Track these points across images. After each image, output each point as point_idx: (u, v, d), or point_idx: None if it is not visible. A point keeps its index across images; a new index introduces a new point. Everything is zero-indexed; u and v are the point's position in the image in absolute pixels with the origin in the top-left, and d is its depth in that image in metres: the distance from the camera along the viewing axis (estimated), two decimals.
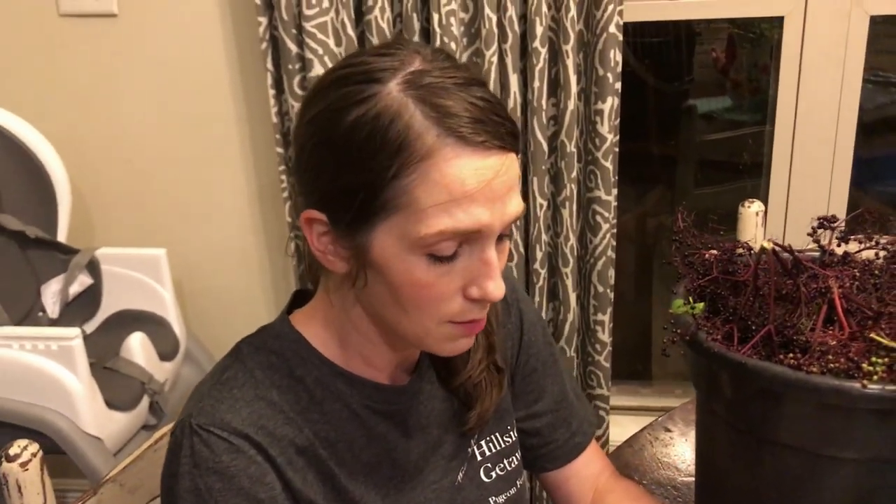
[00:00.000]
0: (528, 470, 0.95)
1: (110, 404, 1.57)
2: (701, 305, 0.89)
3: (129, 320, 1.78)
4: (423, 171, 0.64)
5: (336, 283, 0.76)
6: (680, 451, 1.19)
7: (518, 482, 0.90)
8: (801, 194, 1.84)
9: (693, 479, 1.00)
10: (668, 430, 1.23)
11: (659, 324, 2.55)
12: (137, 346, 1.66)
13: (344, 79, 0.67)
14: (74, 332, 1.50)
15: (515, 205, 0.68)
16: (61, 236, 1.81)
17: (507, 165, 0.66)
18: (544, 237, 1.75)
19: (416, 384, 0.82)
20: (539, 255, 1.76)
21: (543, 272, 1.79)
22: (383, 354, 0.78)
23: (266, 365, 0.75)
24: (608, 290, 1.79)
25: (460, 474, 0.84)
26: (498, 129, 0.66)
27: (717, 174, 2.37)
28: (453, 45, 1.63)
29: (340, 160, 0.66)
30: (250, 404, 0.72)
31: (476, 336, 0.84)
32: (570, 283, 1.79)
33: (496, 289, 0.67)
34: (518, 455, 0.91)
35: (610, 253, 1.76)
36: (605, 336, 1.83)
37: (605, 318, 1.81)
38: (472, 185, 0.64)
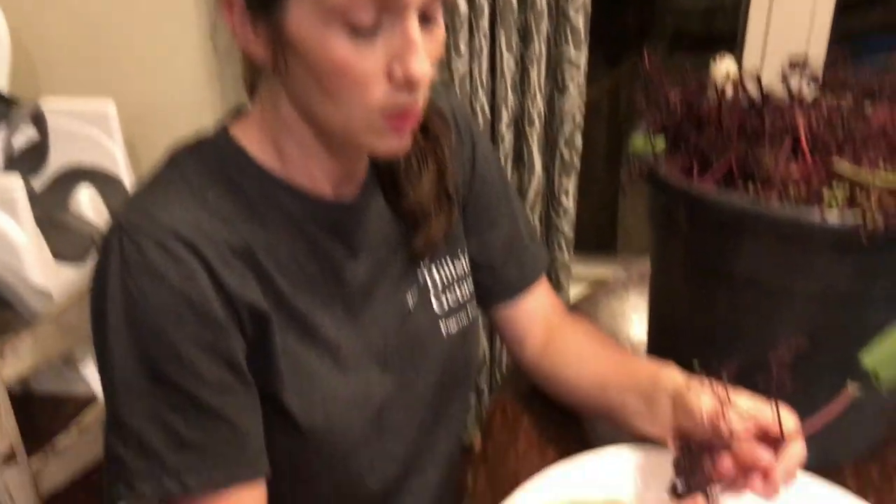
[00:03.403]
0: (479, 305, 0.94)
1: (58, 257, 1.53)
2: (661, 141, 0.85)
3: (79, 176, 1.71)
4: None
5: (267, 83, 0.72)
6: (635, 304, 1.18)
7: (470, 312, 0.89)
8: (776, 61, 1.79)
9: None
10: (626, 288, 1.22)
11: (627, 201, 2.54)
12: (87, 201, 1.61)
13: None
14: (16, 182, 1.44)
15: None
16: (1, 87, 1.71)
17: None
18: (511, 97, 1.70)
19: (362, 201, 0.79)
20: (505, 115, 1.71)
21: (509, 135, 1.74)
22: (323, 164, 0.74)
23: (203, 172, 0.71)
24: (574, 156, 1.75)
25: (410, 300, 0.83)
26: None
27: (692, 45, 2.31)
28: None
29: None
30: (183, 205, 0.69)
31: (425, 158, 0.81)
32: (535, 146, 1.75)
33: (419, 65, 0.63)
34: (470, 283, 0.89)
35: (578, 117, 1.71)
36: (569, 203, 1.81)
37: (570, 184, 1.78)
38: None
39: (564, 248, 1.86)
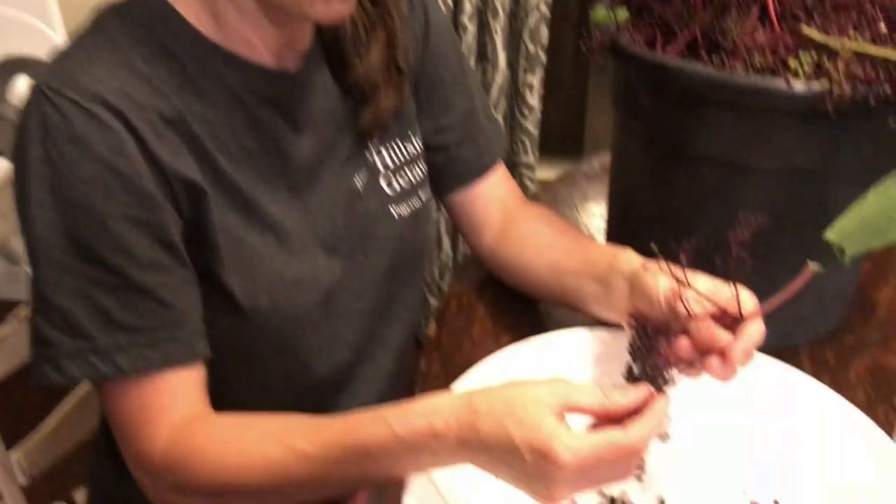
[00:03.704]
0: (434, 191, 0.90)
1: None
2: (623, 12, 0.81)
3: (18, 66, 1.62)
4: None
5: None
6: (596, 195, 1.15)
7: (422, 195, 0.85)
8: None
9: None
10: (588, 179, 1.19)
11: (595, 107, 2.49)
12: (24, 92, 1.52)
13: None
14: None
15: None
16: None
17: None
18: None
19: (306, 73, 0.74)
20: (467, 6, 1.64)
21: (472, 27, 1.67)
22: (263, 30, 0.69)
23: (132, 36, 0.66)
24: (540, 50, 1.69)
25: (358, 181, 0.79)
26: None
27: None
28: None
29: None
30: (110, 69, 0.64)
31: (374, 26, 0.76)
32: (499, 40, 1.69)
33: None
34: (422, 166, 0.85)
35: (543, 7, 1.65)
36: (534, 100, 1.76)
37: (536, 80, 1.73)
38: None
39: (529, 148, 1.82)
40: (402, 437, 0.58)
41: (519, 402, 0.56)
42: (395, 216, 0.82)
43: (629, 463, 0.57)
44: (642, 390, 0.59)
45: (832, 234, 0.66)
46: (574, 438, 0.54)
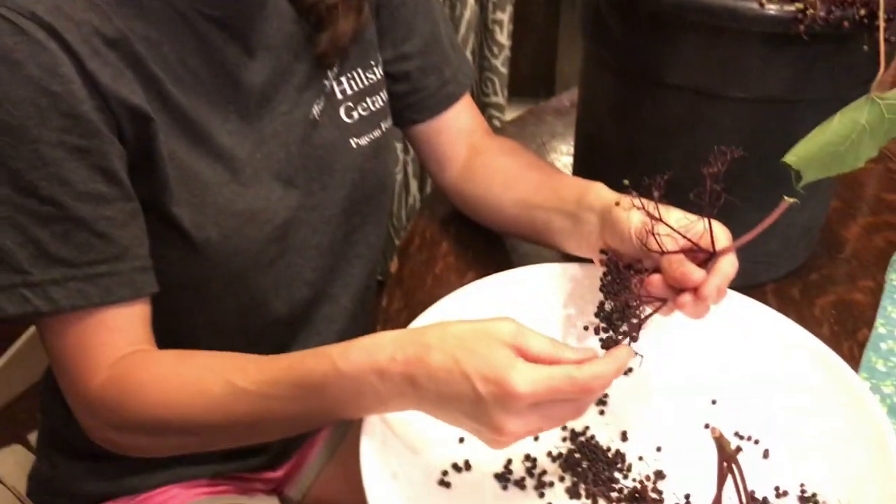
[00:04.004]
0: (397, 123, 0.87)
1: None
2: None
3: None
4: None
5: None
6: (564, 130, 1.12)
7: (383, 125, 0.82)
8: None
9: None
10: (557, 114, 1.16)
11: (566, 46, 2.45)
12: None
13: None
14: None
15: None
16: None
17: None
18: None
19: None
20: None
21: None
22: None
23: None
24: None
25: (316, 108, 0.75)
26: None
27: None
28: None
29: None
30: None
31: None
32: None
33: None
34: (383, 95, 0.82)
35: None
36: (503, 37, 1.71)
37: (505, 16, 1.69)
38: None
39: (498, 88, 1.79)
40: (343, 373, 0.56)
41: (470, 335, 0.54)
42: (354, 146, 0.79)
43: (584, 402, 0.55)
44: (592, 352, 0.57)
45: (792, 157, 0.64)
46: (531, 368, 0.52)
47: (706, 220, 0.61)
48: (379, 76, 0.81)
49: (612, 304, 0.61)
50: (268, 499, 0.88)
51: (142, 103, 0.63)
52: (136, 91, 0.63)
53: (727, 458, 0.49)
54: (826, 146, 0.64)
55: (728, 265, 0.61)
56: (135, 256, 0.65)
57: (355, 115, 0.79)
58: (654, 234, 0.62)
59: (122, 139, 0.63)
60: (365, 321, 0.92)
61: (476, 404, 0.53)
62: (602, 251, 0.67)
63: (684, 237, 0.61)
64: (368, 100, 0.80)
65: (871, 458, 0.58)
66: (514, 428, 0.53)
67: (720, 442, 0.48)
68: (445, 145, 0.88)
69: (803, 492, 0.62)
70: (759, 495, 0.61)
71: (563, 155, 1.08)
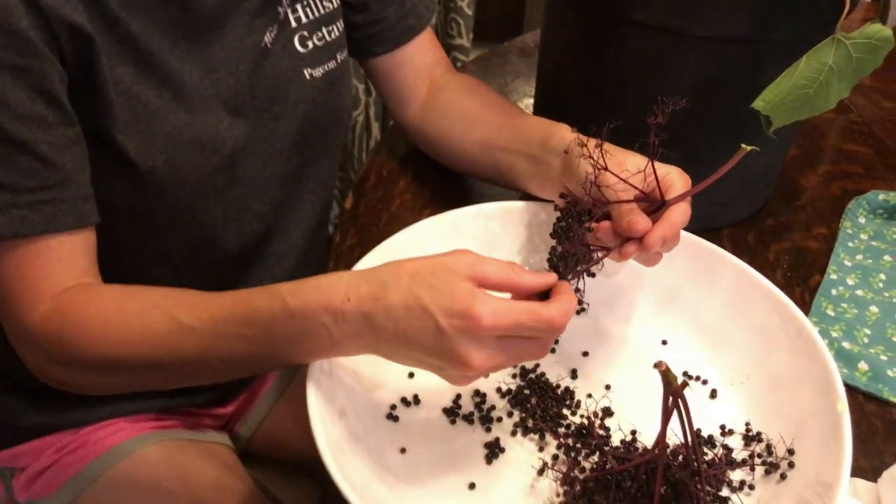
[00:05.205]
0: (355, 56, 0.85)
1: None
2: None
3: None
4: None
5: None
6: (528, 70, 1.10)
7: (339, 56, 0.79)
8: None
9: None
10: (521, 54, 1.14)
11: None
12: None
13: None
14: None
15: None
16: None
17: None
18: None
19: None
20: None
21: None
22: None
23: None
24: None
25: (268, 36, 0.72)
26: None
27: None
28: None
29: None
30: None
31: None
32: None
33: None
34: (340, 25, 0.79)
35: None
36: None
37: None
38: None
39: (463, 30, 1.75)
40: (294, 311, 0.54)
41: (427, 271, 0.53)
42: (308, 77, 0.76)
43: (546, 339, 0.54)
44: (553, 276, 0.56)
45: (760, 102, 0.63)
46: (494, 300, 0.51)
47: (654, 169, 0.60)
48: (336, 4, 0.78)
49: (562, 247, 0.60)
50: (217, 435, 0.87)
51: (84, 23, 0.60)
52: (79, 10, 0.59)
53: (673, 393, 0.49)
54: (794, 89, 0.63)
55: (678, 215, 0.60)
56: (78, 184, 0.62)
57: (310, 44, 0.76)
58: (596, 185, 0.61)
59: (64, 61, 0.60)
60: (317, 259, 0.90)
61: (439, 339, 0.51)
62: (561, 195, 0.66)
63: (633, 186, 0.60)
64: (324, 29, 0.77)
65: (816, 397, 0.59)
66: (478, 361, 0.51)
67: (666, 375, 0.48)
68: (405, 81, 0.86)
69: (748, 430, 0.62)
70: (704, 434, 0.62)
71: (526, 97, 1.06)
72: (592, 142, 0.61)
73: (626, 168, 0.61)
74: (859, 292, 0.78)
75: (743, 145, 0.56)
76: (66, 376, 0.64)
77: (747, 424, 0.63)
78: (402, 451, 0.60)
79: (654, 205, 0.61)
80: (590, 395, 0.65)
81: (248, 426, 0.92)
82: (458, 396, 0.64)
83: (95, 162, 0.64)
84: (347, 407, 0.59)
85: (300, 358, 0.58)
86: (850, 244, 0.85)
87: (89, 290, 0.63)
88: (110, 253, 0.67)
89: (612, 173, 0.60)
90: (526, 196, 0.75)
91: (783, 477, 0.57)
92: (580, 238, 0.60)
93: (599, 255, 0.61)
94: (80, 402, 0.77)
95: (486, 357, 0.51)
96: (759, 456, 0.60)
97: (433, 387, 0.64)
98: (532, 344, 0.54)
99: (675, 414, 0.50)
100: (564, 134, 0.71)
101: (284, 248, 0.83)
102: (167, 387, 0.67)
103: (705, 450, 0.60)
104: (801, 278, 0.80)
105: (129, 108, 0.64)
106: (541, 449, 0.61)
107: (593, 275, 0.59)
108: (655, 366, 0.49)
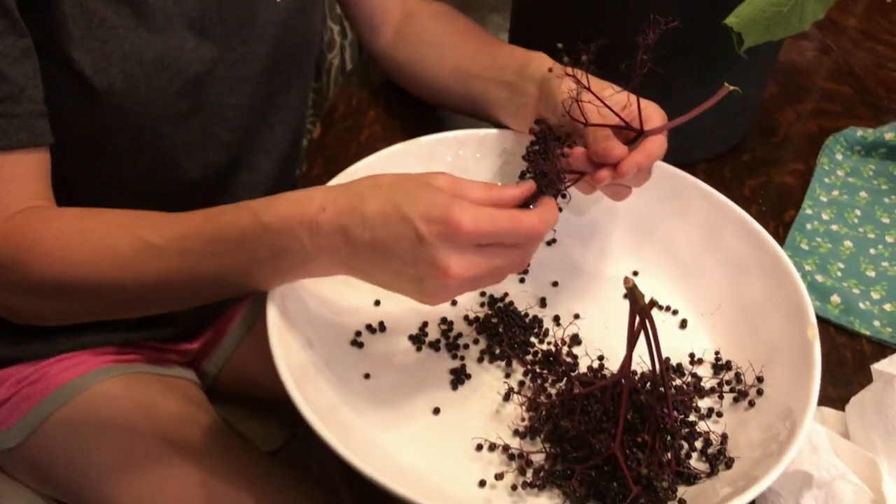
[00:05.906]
0: None
1: None
2: None
3: None
4: None
5: None
6: (503, 4, 1.07)
7: None
8: None
9: None
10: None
11: None
12: None
13: None
14: None
15: None
16: None
17: None
18: None
19: None
20: None
21: None
22: None
23: None
24: None
25: None
26: None
27: None
28: None
29: None
30: None
31: None
32: None
33: None
34: None
35: None
36: None
37: None
38: None
39: None
40: (266, 224, 0.52)
41: (407, 181, 0.51)
42: (278, 0, 0.73)
43: (527, 248, 0.53)
44: (531, 183, 0.55)
45: (733, 18, 0.61)
46: (474, 207, 0.49)
47: (636, 98, 0.58)
48: None
49: (533, 173, 0.58)
50: (183, 370, 0.85)
51: None
52: None
53: (639, 311, 0.47)
54: (768, 6, 0.61)
55: (654, 145, 0.59)
56: (30, 99, 0.59)
57: None
58: (578, 101, 0.59)
59: None
60: (287, 190, 0.87)
61: (417, 246, 0.49)
62: (536, 121, 0.64)
63: (614, 112, 0.59)
64: None
65: (787, 324, 0.58)
66: (457, 268, 0.49)
67: (633, 293, 0.47)
68: (376, 7, 0.83)
69: (718, 359, 0.61)
70: (673, 362, 0.61)
71: (502, 31, 1.03)
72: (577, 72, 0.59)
73: (604, 97, 0.60)
74: (834, 227, 0.77)
75: (725, 84, 0.55)
76: (20, 304, 0.61)
77: (717, 353, 0.62)
78: (367, 376, 0.59)
79: (632, 136, 0.59)
80: (558, 323, 0.64)
81: (215, 363, 0.91)
82: (425, 324, 0.63)
83: (50, 81, 0.61)
84: (311, 334, 0.58)
85: (270, 277, 0.56)
86: (827, 180, 0.84)
87: (46, 211, 0.60)
88: (65, 178, 0.64)
89: (594, 94, 0.59)
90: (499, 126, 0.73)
91: (751, 404, 0.57)
92: (554, 163, 0.58)
93: (571, 179, 0.59)
94: (39, 333, 0.75)
95: (466, 264, 0.49)
96: (728, 384, 0.59)
97: (399, 314, 0.62)
98: (512, 252, 0.52)
99: (642, 339, 0.49)
100: (542, 62, 0.69)
101: (252, 180, 0.81)
102: (128, 315, 0.65)
103: (674, 377, 0.59)
104: (776, 213, 0.79)
105: (84, 23, 0.61)
106: (507, 376, 0.60)
107: (566, 196, 0.58)
108: (623, 283, 0.47)
